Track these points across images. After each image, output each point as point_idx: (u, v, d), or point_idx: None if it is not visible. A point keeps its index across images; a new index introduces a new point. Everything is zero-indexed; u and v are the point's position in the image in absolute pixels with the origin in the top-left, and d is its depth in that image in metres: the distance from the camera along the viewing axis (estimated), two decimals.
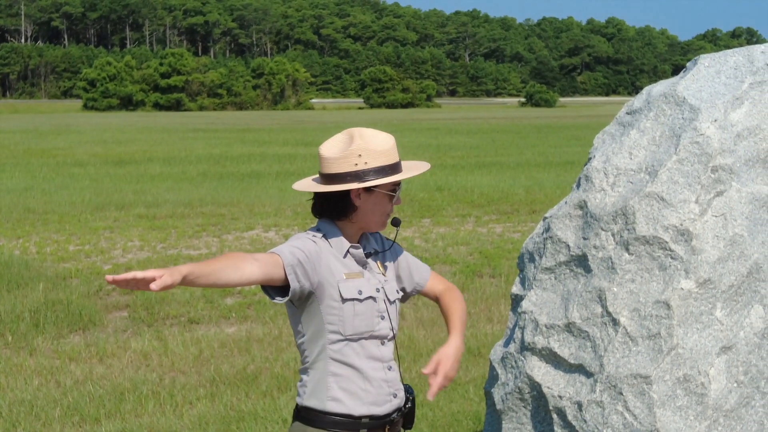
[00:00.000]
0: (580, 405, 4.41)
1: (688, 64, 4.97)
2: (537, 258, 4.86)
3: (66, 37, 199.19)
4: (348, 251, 3.80)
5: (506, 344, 4.97)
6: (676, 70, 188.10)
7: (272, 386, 8.32)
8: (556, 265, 4.69)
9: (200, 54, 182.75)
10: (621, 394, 4.29)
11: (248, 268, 3.52)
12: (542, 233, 4.93)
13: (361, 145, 3.73)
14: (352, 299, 3.72)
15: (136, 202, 21.49)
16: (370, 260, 3.88)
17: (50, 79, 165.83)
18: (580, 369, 4.47)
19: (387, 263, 3.97)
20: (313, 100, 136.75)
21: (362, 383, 3.75)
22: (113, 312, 11.31)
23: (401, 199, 3.88)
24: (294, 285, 3.63)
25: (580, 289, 4.54)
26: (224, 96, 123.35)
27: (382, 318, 3.81)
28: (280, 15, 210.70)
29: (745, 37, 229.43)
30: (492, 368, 5.01)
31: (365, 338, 3.76)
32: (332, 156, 3.74)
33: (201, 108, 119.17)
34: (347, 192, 3.74)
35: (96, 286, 12.44)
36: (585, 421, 4.37)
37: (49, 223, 18.57)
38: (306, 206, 19.92)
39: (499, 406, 4.87)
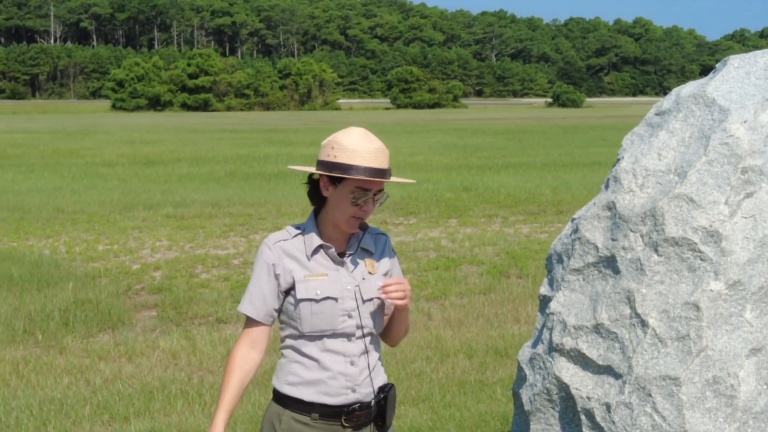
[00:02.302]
0: (608, 406, 4.40)
1: (717, 65, 4.96)
2: (565, 259, 4.86)
3: (95, 37, 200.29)
4: (319, 249, 3.92)
5: (534, 345, 4.97)
6: (704, 70, 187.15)
7: None
8: (584, 266, 4.69)
9: (227, 54, 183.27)
10: (650, 395, 4.29)
11: (254, 361, 3.97)
12: (570, 234, 4.93)
13: (339, 138, 3.83)
14: (308, 300, 3.87)
15: (164, 202, 21.59)
16: (348, 259, 3.96)
17: (79, 79, 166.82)
18: (608, 370, 4.46)
19: (380, 264, 4.04)
20: (340, 101, 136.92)
21: (318, 373, 3.90)
22: (142, 311, 11.37)
23: (372, 208, 3.88)
24: (274, 319, 4.03)
25: (608, 290, 4.53)
26: (251, 96, 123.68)
27: (350, 317, 3.90)
28: (307, 16, 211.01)
29: None
30: (520, 369, 5.02)
31: (327, 336, 3.91)
32: (322, 143, 3.91)
33: (228, 108, 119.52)
34: (318, 181, 3.90)
35: (125, 286, 12.52)
36: (614, 422, 4.37)
37: (78, 222, 18.69)
38: None
39: (527, 407, 4.87)
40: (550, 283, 5.03)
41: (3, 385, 8.50)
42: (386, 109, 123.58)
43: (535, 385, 4.83)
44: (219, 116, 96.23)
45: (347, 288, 3.90)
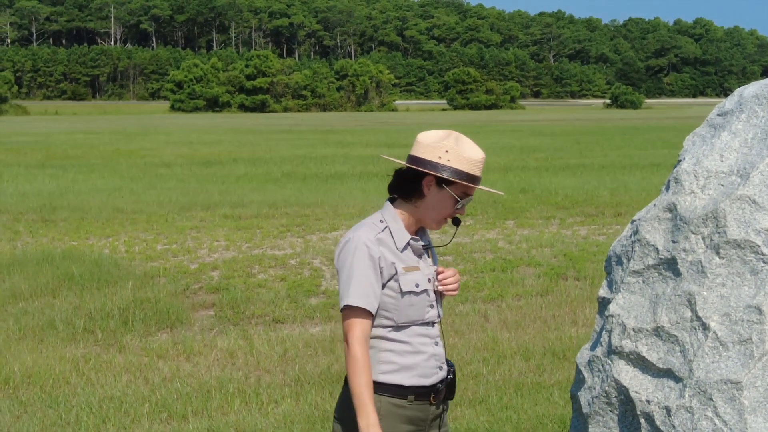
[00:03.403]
0: (668, 410, 4.36)
1: None
2: (625, 261, 4.81)
3: (154, 39, 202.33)
4: (408, 243, 4.10)
5: (593, 347, 4.93)
6: (766, 71, 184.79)
7: None
8: (644, 269, 4.64)
9: (285, 56, 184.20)
10: (711, 399, 4.23)
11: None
12: (630, 236, 4.88)
13: (452, 144, 4.02)
14: (410, 292, 4.05)
15: (222, 203, 21.75)
16: (424, 252, 4.19)
17: (138, 80, 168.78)
18: (668, 374, 4.41)
19: (435, 256, 4.30)
20: (397, 102, 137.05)
21: (412, 357, 4.09)
22: (200, 311, 11.47)
23: (465, 211, 4.14)
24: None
25: (669, 292, 4.49)
26: (308, 97, 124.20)
27: (432, 307, 4.16)
28: (364, 17, 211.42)
29: None
30: (578, 371, 4.98)
31: (416, 325, 4.12)
32: (425, 142, 4.04)
33: (285, 109, 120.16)
34: (420, 178, 4.03)
35: (183, 285, 12.62)
36: (674, 426, 4.32)
37: (138, 222, 18.89)
38: None
39: (585, 410, 4.83)
40: (609, 285, 4.98)
41: (63, 382, 8.61)
42: (443, 110, 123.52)
43: (594, 388, 4.79)
44: (276, 117, 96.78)
45: (428, 279, 4.13)
